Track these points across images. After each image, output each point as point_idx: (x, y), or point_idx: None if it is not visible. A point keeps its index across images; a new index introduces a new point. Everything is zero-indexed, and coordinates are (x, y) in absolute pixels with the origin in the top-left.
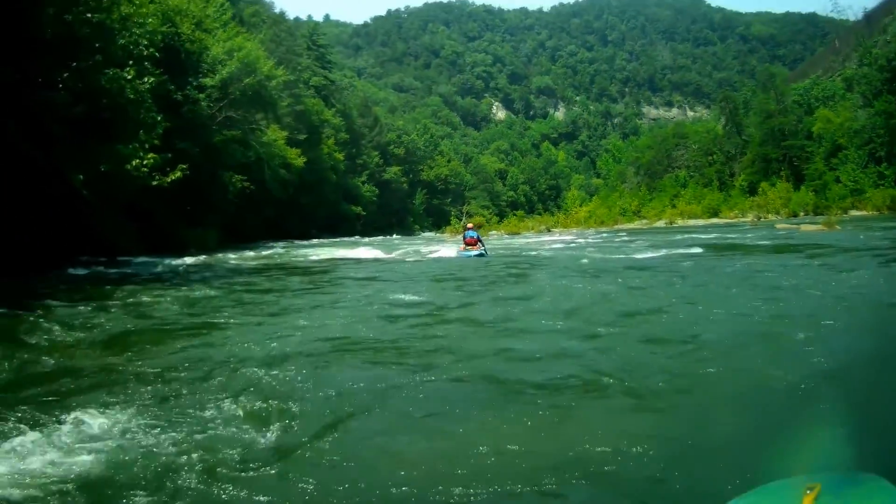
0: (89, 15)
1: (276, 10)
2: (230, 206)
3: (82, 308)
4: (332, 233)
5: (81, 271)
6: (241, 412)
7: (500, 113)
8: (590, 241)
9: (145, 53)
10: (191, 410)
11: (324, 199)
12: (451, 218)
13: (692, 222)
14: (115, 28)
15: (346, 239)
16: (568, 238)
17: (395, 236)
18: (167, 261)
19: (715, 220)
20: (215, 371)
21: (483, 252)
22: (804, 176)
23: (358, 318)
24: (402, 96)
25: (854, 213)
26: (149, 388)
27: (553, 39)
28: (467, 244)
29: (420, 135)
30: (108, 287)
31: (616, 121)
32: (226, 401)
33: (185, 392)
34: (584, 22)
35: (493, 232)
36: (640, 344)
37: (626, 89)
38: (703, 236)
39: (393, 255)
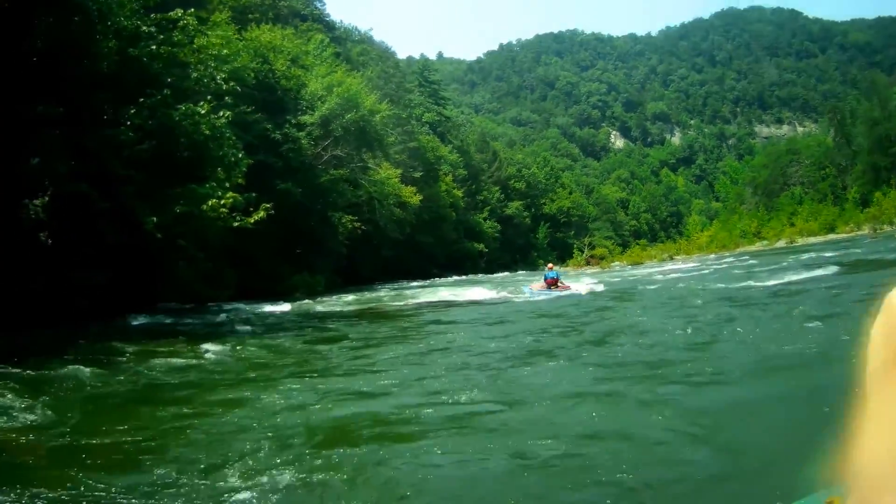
0: (154, 47)
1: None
2: (342, 247)
3: (94, 366)
4: (455, 271)
5: (143, 320)
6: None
7: (618, 141)
8: (712, 267)
9: (224, 87)
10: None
11: (444, 237)
12: (574, 251)
13: (812, 240)
14: (189, 62)
15: (465, 277)
16: (689, 265)
17: (519, 272)
18: (258, 307)
19: (832, 236)
20: (222, 448)
21: (564, 292)
22: None
23: (421, 378)
24: (520, 130)
25: None
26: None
27: (664, 64)
28: (548, 284)
29: (540, 168)
30: (149, 339)
31: (731, 142)
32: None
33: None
34: (691, 44)
35: (616, 263)
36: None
37: (738, 109)
38: (826, 254)
39: (502, 293)
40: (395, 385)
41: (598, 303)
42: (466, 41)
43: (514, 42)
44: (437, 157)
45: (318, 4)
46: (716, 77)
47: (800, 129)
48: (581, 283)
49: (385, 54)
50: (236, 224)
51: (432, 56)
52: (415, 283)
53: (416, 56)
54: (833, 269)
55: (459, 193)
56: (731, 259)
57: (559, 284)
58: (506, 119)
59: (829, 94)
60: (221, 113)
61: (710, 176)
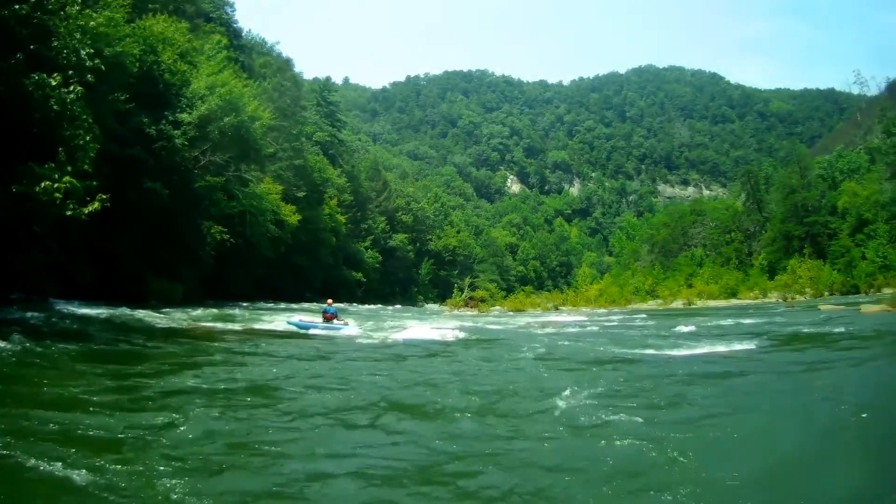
0: (18, 7)
1: (295, 69)
2: (209, 258)
3: None
4: (330, 297)
5: None
6: None
7: (514, 186)
8: (604, 323)
9: (88, 64)
10: None
11: (321, 262)
12: (455, 290)
13: (712, 304)
14: (59, 32)
15: (338, 305)
16: (574, 318)
17: (395, 306)
18: (90, 310)
19: (735, 301)
20: None
21: (340, 327)
22: (826, 253)
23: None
24: (416, 164)
25: (887, 290)
26: None
27: (571, 114)
28: (326, 319)
29: (431, 203)
30: None
31: (631, 198)
32: None
33: None
34: (603, 97)
35: (496, 308)
36: None
37: (643, 166)
38: (745, 321)
39: (353, 331)
40: (114, 427)
41: (417, 353)
42: (374, 69)
43: (422, 76)
44: (324, 179)
45: (228, 9)
46: (624, 132)
47: (706, 192)
48: (427, 326)
49: (285, 66)
50: (69, 213)
51: (338, 80)
52: (279, 306)
53: (322, 78)
54: (755, 342)
55: (342, 219)
56: (622, 315)
57: (335, 319)
58: (403, 151)
59: (741, 161)
60: (72, 87)
61: (606, 230)
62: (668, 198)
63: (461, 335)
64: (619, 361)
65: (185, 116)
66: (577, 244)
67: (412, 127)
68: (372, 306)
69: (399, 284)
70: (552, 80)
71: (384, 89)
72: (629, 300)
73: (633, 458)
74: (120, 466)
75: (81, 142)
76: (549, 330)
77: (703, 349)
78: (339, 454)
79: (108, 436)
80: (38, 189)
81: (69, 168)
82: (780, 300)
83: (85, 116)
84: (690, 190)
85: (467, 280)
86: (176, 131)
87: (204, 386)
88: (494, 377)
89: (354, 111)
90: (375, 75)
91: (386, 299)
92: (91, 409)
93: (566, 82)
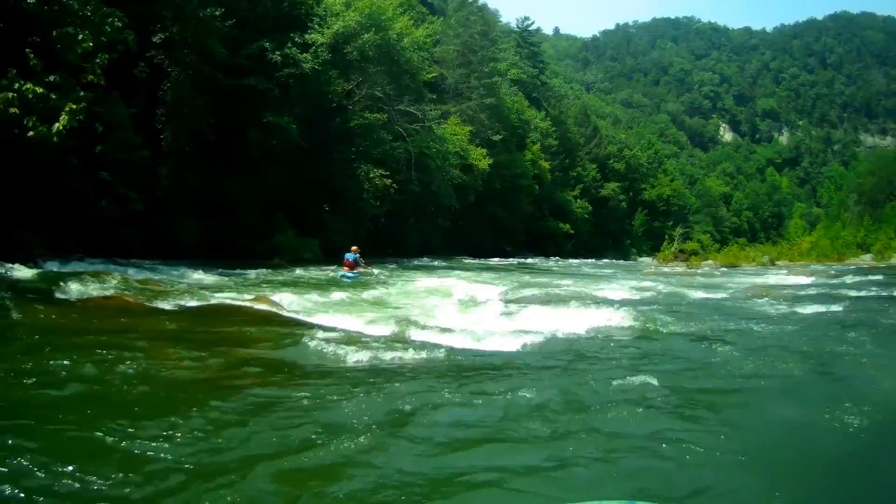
0: None
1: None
2: (370, 208)
3: None
4: (536, 251)
5: None
6: None
7: (726, 134)
8: (841, 290)
9: None
10: None
11: (521, 212)
12: (665, 241)
13: None
14: None
15: (536, 261)
16: (801, 280)
17: (605, 260)
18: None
19: None
20: None
21: (357, 275)
22: None
23: None
24: (629, 112)
25: None
26: None
27: (776, 61)
28: (347, 266)
29: (644, 150)
30: None
31: (836, 147)
32: None
33: None
34: (804, 44)
35: (708, 262)
36: None
37: (845, 115)
38: None
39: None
40: None
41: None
42: (583, 18)
43: (631, 23)
44: (524, 122)
45: None
46: (826, 80)
47: None
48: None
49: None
50: (31, 134)
51: (549, 31)
52: (463, 262)
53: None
54: None
55: (546, 165)
56: (849, 276)
57: (356, 266)
58: (616, 99)
59: None
60: None
61: (814, 180)
62: (869, 147)
63: (629, 321)
64: None
65: (316, 37)
66: (787, 194)
67: (624, 75)
68: (580, 260)
69: (611, 237)
70: (756, 26)
71: (595, 38)
72: (843, 255)
73: None
74: None
75: (73, 44)
76: (777, 302)
77: None
78: None
79: None
80: None
81: (52, 79)
82: None
83: (86, 13)
84: (889, 140)
85: (678, 230)
86: (305, 55)
87: None
88: None
89: (566, 60)
90: (585, 24)
91: (598, 252)
92: None
93: (769, 29)
